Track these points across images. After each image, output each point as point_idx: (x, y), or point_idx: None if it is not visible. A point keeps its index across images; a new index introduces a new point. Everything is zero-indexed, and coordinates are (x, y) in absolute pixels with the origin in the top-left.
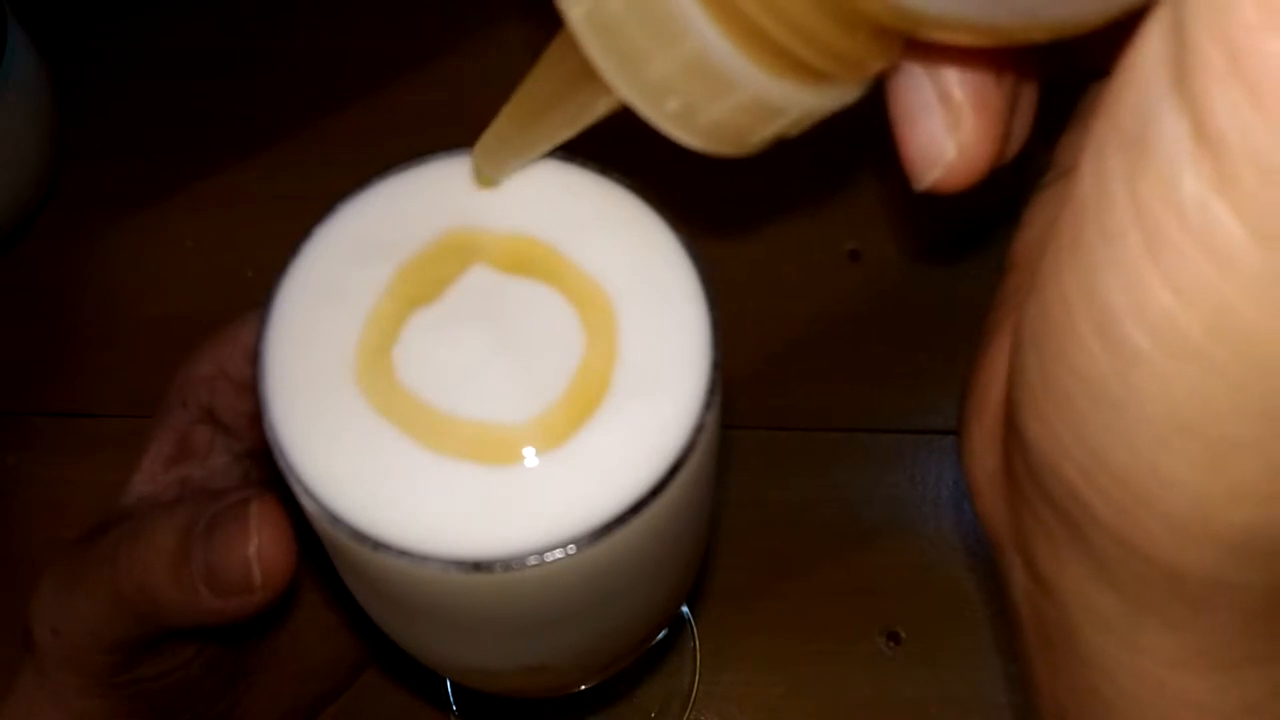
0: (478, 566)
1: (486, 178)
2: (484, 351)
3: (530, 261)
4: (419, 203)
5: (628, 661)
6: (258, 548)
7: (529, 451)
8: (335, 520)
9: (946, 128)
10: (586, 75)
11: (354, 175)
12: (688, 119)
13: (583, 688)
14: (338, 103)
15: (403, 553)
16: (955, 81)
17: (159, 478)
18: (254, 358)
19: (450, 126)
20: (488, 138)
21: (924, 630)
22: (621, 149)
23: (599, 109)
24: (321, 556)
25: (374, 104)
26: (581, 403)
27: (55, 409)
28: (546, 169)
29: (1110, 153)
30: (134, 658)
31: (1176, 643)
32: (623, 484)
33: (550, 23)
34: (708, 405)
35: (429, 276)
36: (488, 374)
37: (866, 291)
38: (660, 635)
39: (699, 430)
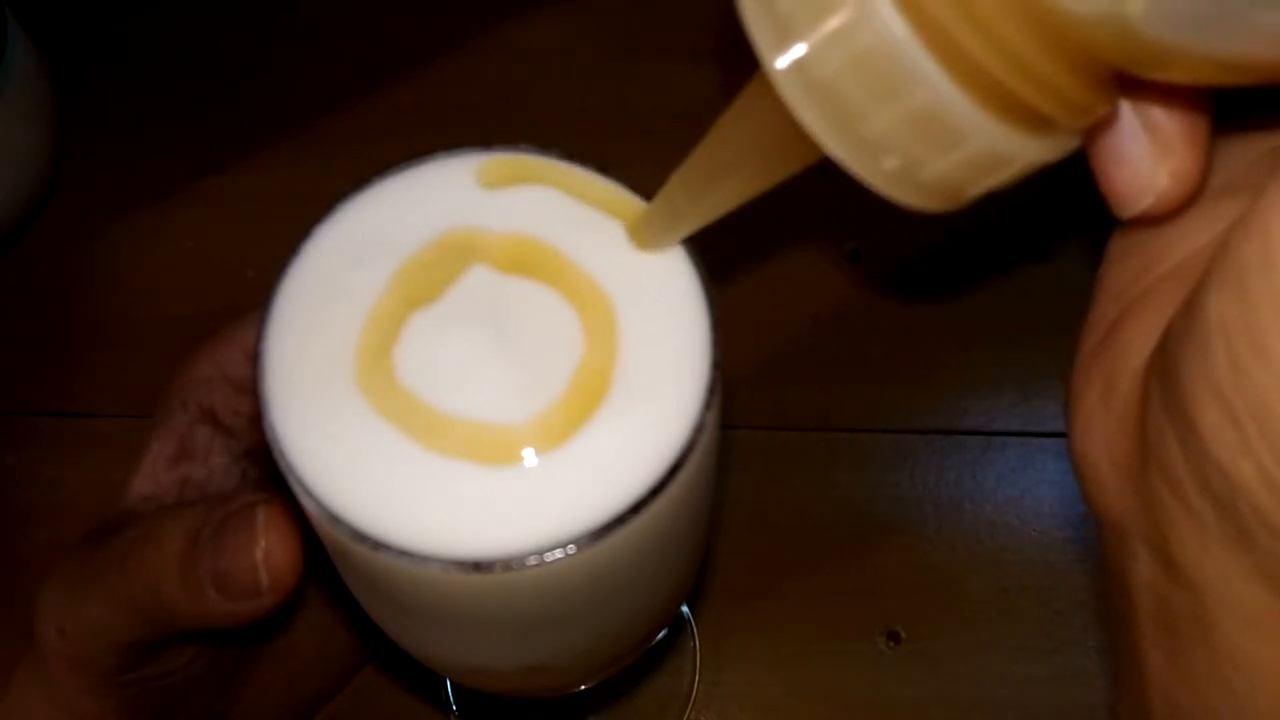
0: (478, 566)
1: (648, 245)
2: (484, 351)
3: (530, 261)
4: (419, 203)
5: (628, 661)
6: (265, 551)
7: (529, 452)
8: (335, 520)
9: (1156, 157)
10: (781, 133)
11: (354, 175)
12: (907, 176)
13: (583, 688)
14: (338, 103)
15: (403, 553)
16: (1161, 110)
17: (160, 478)
18: (254, 358)
19: (450, 126)
20: (657, 208)
21: (924, 630)
22: (621, 149)
23: (791, 168)
24: (320, 556)
25: (374, 104)
26: (581, 403)
27: (55, 409)
28: (546, 169)
29: None
30: (139, 658)
31: None
32: (623, 484)
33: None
34: (708, 405)
35: (429, 276)
36: (487, 374)
37: (866, 291)
38: (660, 635)
39: (699, 430)
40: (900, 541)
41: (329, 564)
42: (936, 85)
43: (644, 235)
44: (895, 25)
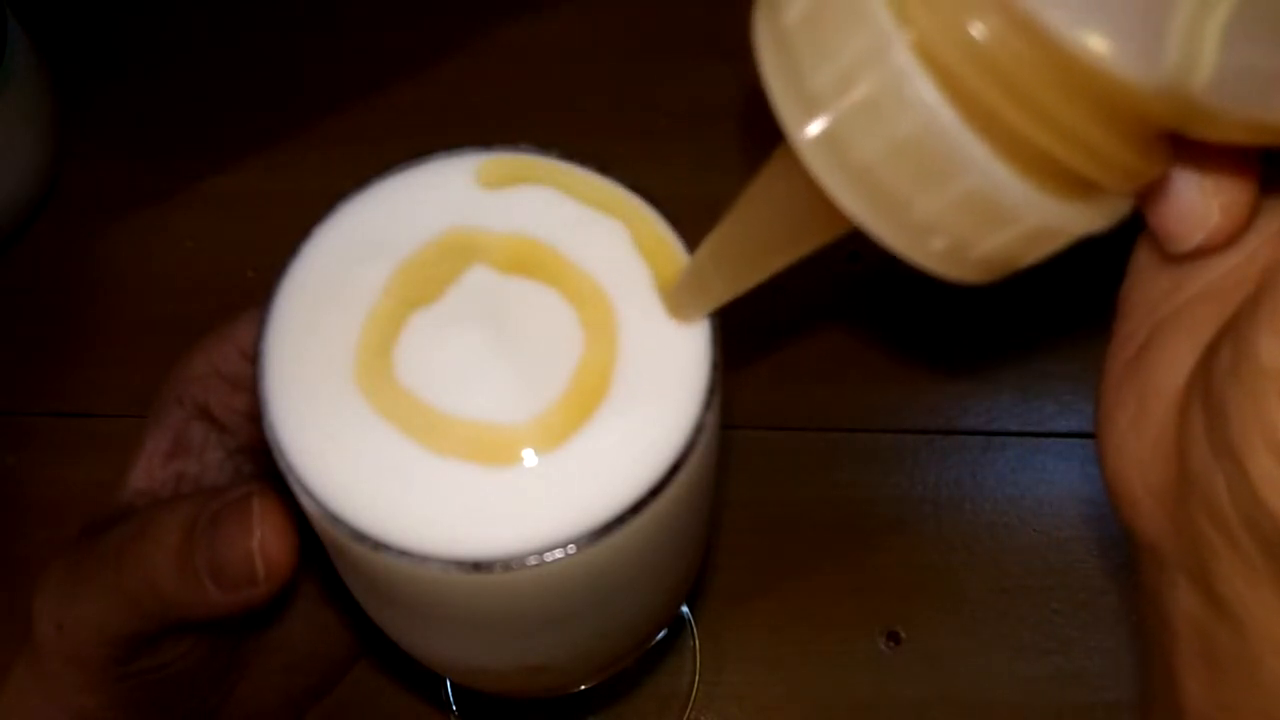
0: (478, 566)
1: (679, 316)
2: (484, 351)
3: (530, 261)
4: (419, 203)
5: (628, 661)
6: (260, 541)
7: (528, 452)
8: (335, 520)
9: (1207, 192)
10: (813, 207)
11: (354, 175)
12: (957, 256)
13: (583, 688)
14: (338, 103)
15: (403, 553)
16: (1211, 148)
17: (155, 474)
18: (254, 358)
19: (450, 126)
20: (687, 280)
21: (924, 630)
22: (621, 149)
23: (825, 238)
24: (315, 551)
25: (374, 104)
26: (581, 403)
27: (55, 409)
28: (546, 169)
29: None
30: (136, 652)
31: None
32: (623, 484)
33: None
34: (708, 405)
35: (429, 276)
36: (487, 374)
37: (866, 291)
38: (660, 635)
39: (699, 430)
40: (900, 541)
41: (324, 559)
42: (986, 168)
43: (675, 306)
44: (939, 108)
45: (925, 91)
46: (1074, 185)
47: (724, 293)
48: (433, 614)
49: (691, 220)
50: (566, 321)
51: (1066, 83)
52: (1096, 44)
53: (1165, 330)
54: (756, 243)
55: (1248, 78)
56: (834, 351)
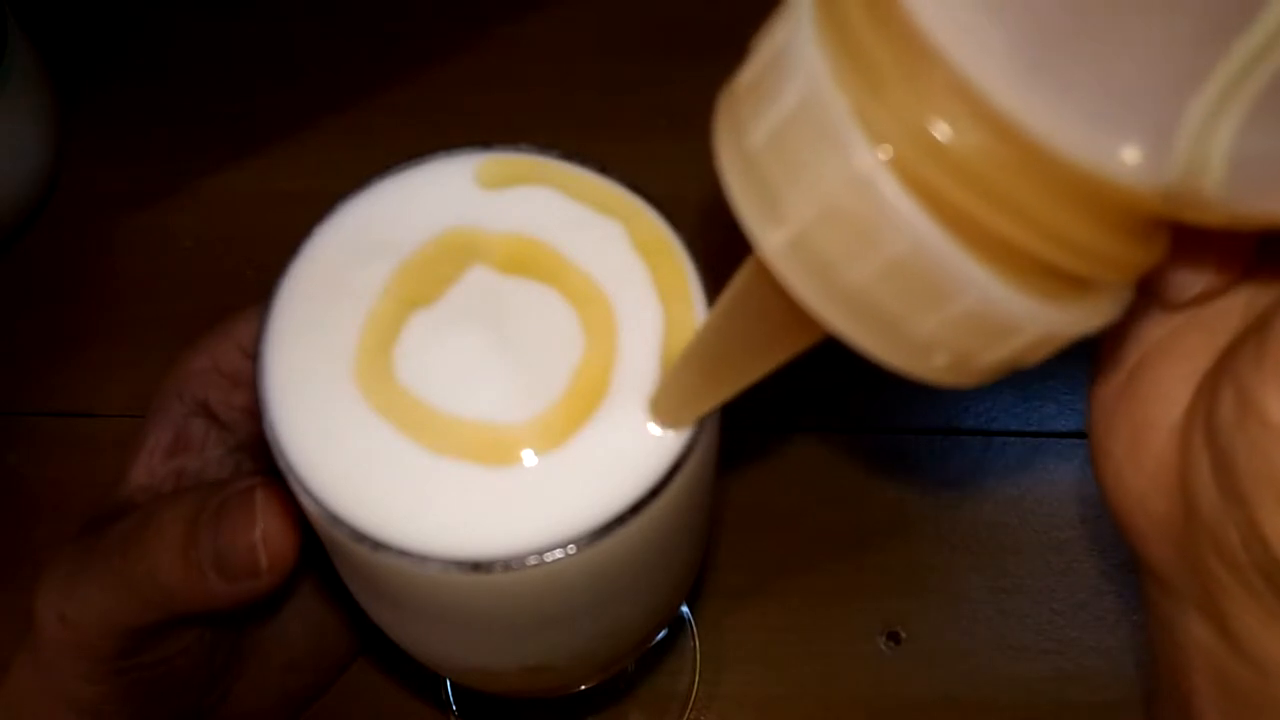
0: (478, 566)
1: (664, 423)
2: (484, 351)
3: (530, 261)
4: (419, 203)
5: (628, 661)
6: (264, 532)
7: (528, 452)
8: (335, 520)
9: (1203, 243)
10: (793, 318)
11: (354, 175)
12: (959, 368)
13: (583, 688)
14: (338, 102)
15: (403, 553)
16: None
17: (156, 469)
18: (254, 358)
19: (450, 127)
20: (668, 388)
21: (924, 630)
22: (621, 149)
23: (807, 344)
24: (313, 551)
25: (374, 104)
26: (581, 403)
27: (55, 409)
28: (546, 169)
29: None
30: (139, 644)
31: None
32: (623, 484)
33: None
34: None
35: (429, 276)
36: (487, 374)
37: None
38: (660, 635)
39: (698, 430)
40: (900, 541)
41: (322, 557)
42: (982, 285)
43: (660, 413)
44: (924, 228)
45: (908, 212)
46: (1075, 286)
47: (708, 400)
48: (433, 614)
49: (691, 220)
50: (566, 321)
51: (1059, 189)
52: (1094, 151)
53: (1154, 359)
54: (736, 352)
55: (1263, 173)
56: (834, 351)
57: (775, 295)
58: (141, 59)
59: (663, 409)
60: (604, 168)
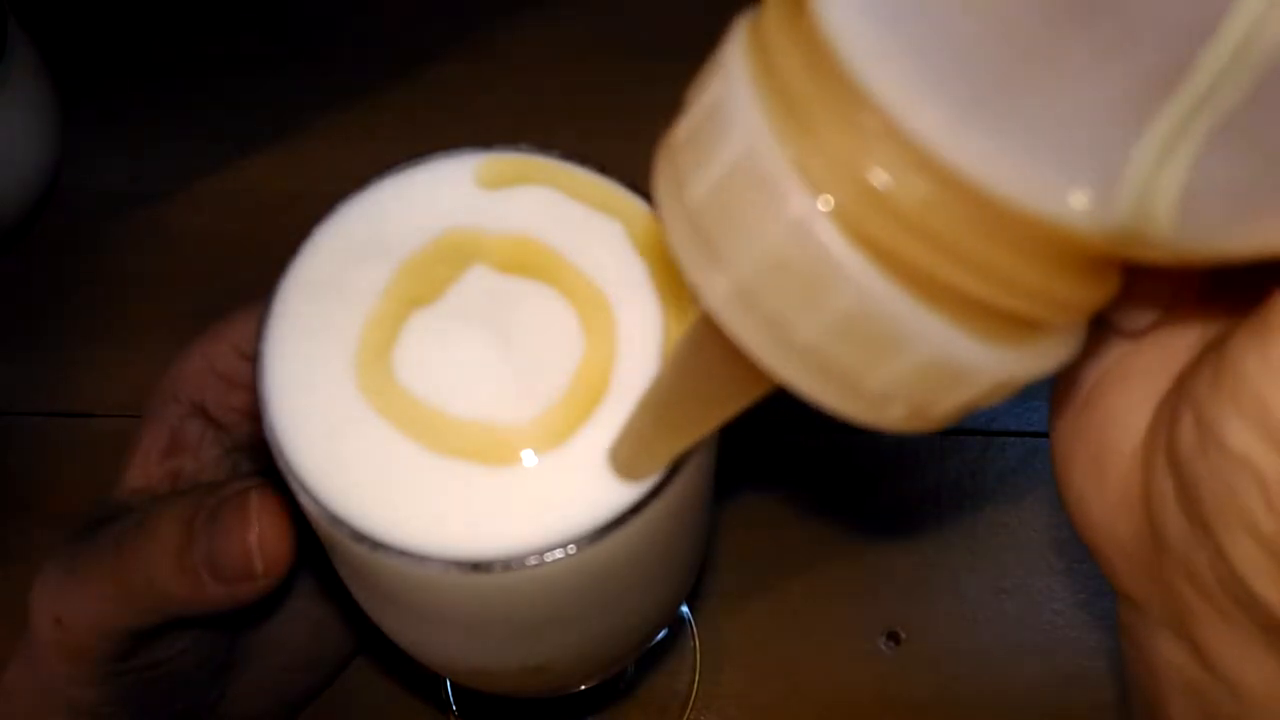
0: (477, 566)
1: (624, 475)
2: (484, 352)
3: (530, 262)
4: (419, 203)
5: (628, 662)
6: (259, 535)
7: (528, 452)
8: (335, 520)
9: (1157, 275)
10: (750, 371)
11: (354, 175)
12: (918, 418)
13: (583, 688)
14: (338, 102)
15: (403, 553)
16: None
17: (152, 471)
18: (254, 358)
19: (450, 126)
20: (625, 439)
21: (924, 630)
22: (622, 149)
23: (761, 393)
24: (311, 552)
25: (374, 104)
26: (581, 403)
27: (55, 409)
28: (546, 169)
29: None
30: (134, 646)
31: None
32: (622, 484)
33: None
34: None
35: (429, 276)
36: (487, 374)
37: None
38: (660, 635)
39: None
40: (900, 541)
41: (321, 558)
42: (933, 335)
43: (620, 465)
44: (872, 281)
45: (851, 263)
46: (1027, 329)
47: (666, 451)
48: (432, 614)
49: None
50: (566, 321)
51: (1004, 234)
52: (1038, 195)
53: (1111, 382)
54: (690, 403)
55: (1211, 212)
56: None
57: (724, 348)
58: (141, 59)
59: (621, 459)
60: (604, 168)
